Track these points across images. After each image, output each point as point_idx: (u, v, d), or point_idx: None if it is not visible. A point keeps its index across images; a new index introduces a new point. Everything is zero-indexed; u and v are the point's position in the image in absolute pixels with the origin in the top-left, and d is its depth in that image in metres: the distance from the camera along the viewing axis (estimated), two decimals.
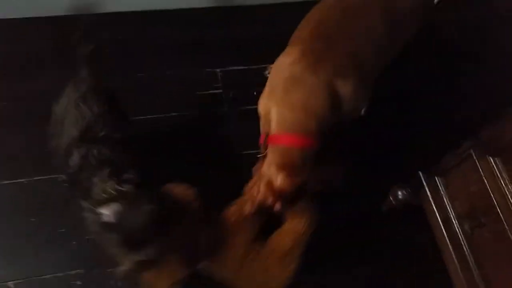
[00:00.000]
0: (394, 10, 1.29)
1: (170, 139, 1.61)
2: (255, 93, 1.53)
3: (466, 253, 1.35)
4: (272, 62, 1.26)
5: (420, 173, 1.52)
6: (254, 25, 1.93)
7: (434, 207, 1.48)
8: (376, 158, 1.68)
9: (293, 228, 1.27)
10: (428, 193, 1.49)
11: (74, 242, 1.42)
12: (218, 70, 1.79)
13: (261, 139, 1.28)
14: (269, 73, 1.63)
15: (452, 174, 1.39)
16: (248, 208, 1.24)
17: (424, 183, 1.50)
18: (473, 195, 1.30)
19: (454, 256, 1.41)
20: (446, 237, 1.44)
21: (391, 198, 1.54)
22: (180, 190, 1.27)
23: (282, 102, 1.20)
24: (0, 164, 1.53)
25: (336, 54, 1.19)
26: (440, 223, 1.45)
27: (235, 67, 1.82)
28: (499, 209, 1.18)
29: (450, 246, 1.42)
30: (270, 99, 1.24)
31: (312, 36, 1.22)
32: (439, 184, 1.44)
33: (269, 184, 1.19)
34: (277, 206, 1.20)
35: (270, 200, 1.19)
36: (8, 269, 1.38)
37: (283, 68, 1.22)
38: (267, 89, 1.27)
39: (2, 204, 1.47)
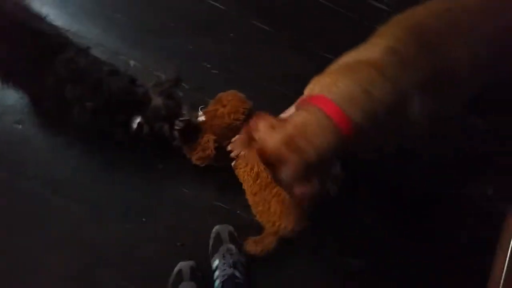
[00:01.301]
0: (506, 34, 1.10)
1: None
2: None
3: None
4: None
5: None
6: None
7: None
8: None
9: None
10: None
11: (190, 62, 1.68)
12: None
13: (300, 101, 1.12)
14: None
15: None
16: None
17: None
18: None
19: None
20: None
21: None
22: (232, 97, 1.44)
23: (341, 73, 1.06)
24: None
25: (424, 66, 1.04)
26: None
27: None
28: None
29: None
30: (325, 74, 1.11)
31: (406, 36, 1.06)
32: None
33: (270, 127, 1.03)
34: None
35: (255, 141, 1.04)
36: (138, 50, 1.65)
37: (360, 59, 1.07)
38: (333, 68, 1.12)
39: None
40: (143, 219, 1.53)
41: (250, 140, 1.07)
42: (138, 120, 1.34)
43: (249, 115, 1.44)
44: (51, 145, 1.55)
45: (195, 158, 1.46)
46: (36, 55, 1.28)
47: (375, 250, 1.58)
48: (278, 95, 1.64)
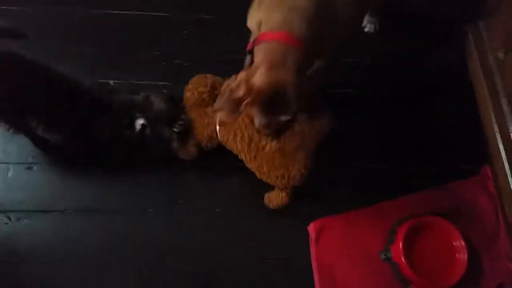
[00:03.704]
0: None
1: None
2: None
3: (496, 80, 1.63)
4: None
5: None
6: None
7: (474, 49, 1.74)
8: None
9: (302, 130, 1.35)
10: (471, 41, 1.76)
11: (164, 63, 1.85)
12: None
13: (248, 46, 1.26)
14: None
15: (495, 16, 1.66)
16: (219, 97, 1.20)
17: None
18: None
19: (485, 83, 1.68)
20: (481, 73, 1.71)
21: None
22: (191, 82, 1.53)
23: (271, 5, 1.21)
24: None
25: None
26: (478, 63, 1.72)
27: None
28: None
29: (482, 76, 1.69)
30: (259, 8, 1.26)
31: None
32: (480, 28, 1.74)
33: (247, 75, 1.12)
34: (250, 105, 1.14)
35: (241, 91, 1.11)
36: (112, 71, 1.79)
37: None
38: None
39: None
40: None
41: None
42: (141, 122, 1.45)
43: (213, 86, 1.52)
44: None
45: (182, 153, 1.55)
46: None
47: None
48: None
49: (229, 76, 1.20)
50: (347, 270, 1.54)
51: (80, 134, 1.49)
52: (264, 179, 1.47)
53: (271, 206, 1.58)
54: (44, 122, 1.43)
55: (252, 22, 1.28)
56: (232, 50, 1.81)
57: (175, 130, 1.48)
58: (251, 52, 1.21)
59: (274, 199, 1.55)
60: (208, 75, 1.55)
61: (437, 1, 2.02)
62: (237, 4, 1.91)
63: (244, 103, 1.12)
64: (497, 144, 1.64)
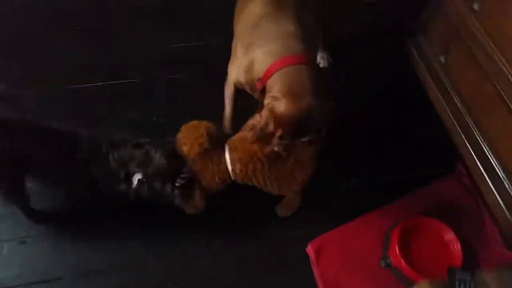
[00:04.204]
0: None
1: None
2: None
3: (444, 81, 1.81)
4: None
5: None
6: None
7: (419, 59, 1.97)
8: None
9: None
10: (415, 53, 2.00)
11: (141, 122, 1.95)
12: None
13: (257, 86, 1.32)
14: None
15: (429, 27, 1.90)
16: (250, 136, 1.28)
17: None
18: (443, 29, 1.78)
19: (435, 86, 1.87)
20: (429, 77, 1.90)
21: None
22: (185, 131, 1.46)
23: (260, 42, 1.32)
24: None
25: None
26: (425, 69, 1.91)
27: None
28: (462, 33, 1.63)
29: (433, 84, 1.89)
30: (248, 52, 1.34)
31: None
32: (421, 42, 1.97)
33: (272, 110, 1.19)
34: (282, 136, 1.21)
35: (271, 126, 1.20)
36: None
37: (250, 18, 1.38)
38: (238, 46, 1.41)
39: None
40: None
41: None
42: (138, 177, 1.39)
43: (207, 132, 1.43)
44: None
45: (188, 208, 1.50)
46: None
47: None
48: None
49: None
50: (352, 283, 1.57)
51: (81, 185, 1.50)
52: (284, 194, 1.56)
53: (285, 213, 1.66)
54: (43, 176, 1.46)
55: (237, 71, 1.40)
56: (205, 103, 1.92)
57: (177, 184, 1.42)
58: (264, 90, 1.28)
59: (290, 205, 1.63)
60: (195, 122, 1.48)
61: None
62: (205, 64, 2.14)
63: (277, 136, 1.21)
64: (462, 139, 1.76)
